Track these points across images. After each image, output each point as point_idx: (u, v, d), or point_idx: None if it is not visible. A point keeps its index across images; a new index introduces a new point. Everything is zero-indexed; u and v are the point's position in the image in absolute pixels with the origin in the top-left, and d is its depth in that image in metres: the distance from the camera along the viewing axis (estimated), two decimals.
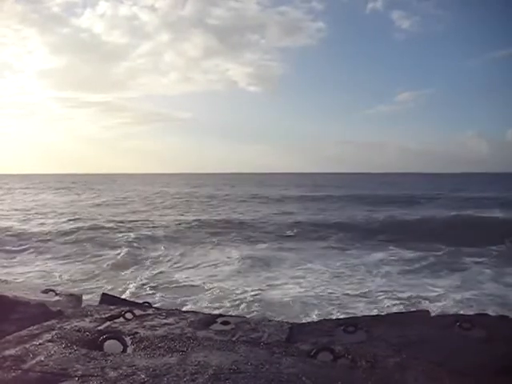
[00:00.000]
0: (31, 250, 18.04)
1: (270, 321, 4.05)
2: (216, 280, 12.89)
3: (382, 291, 11.70)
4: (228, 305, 10.33)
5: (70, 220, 27.75)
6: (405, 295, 11.14)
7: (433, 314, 4.36)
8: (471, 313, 6.12)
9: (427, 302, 10.49)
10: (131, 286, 12.13)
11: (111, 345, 3.20)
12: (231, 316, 4.46)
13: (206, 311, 7.91)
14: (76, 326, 3.61)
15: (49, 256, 16.91)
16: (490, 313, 4.57)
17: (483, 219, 25.58)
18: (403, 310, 8.33)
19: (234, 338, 3.46)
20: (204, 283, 12.49)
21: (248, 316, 6.56)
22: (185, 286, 12.36)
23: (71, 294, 5.06)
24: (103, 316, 3.89)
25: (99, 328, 3.58)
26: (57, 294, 4.82)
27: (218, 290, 11.67)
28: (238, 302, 10.55)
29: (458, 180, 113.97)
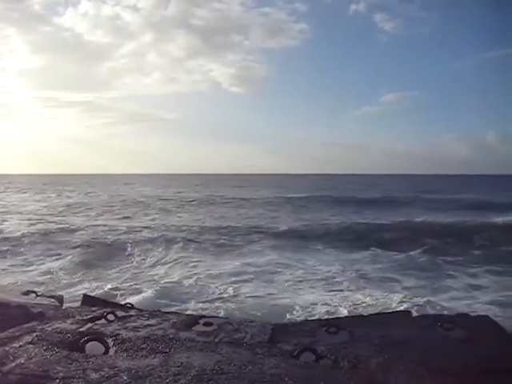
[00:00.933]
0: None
1: (252, 321, 4.05)
2: (192, 279, 12.91)
3: (353, 289, 11.88)
4: (208, 304, 10.32)
5: (39, 221, 27.27)
6: (376, 293, 11.27)
7: (414, 315, 4.42)
8: (452, 313, 6.19)
9: (396, 300, 10.59)
10: (108, 286, 11.98)
11: (93, 346, 3.18)
12: (214, 317, 4.46)
13: (188, 312, 7.91)
14: (57, 327, 3.57)
15: (19, 258, 16.51)
16: (470, 313, 4.63)
17: (458, 223, 25.68)
18: (385, 311, 8.39)
19: (216, 339, 3.45)
20: (180, 283, 12.54)
21: (231, 317, 6.55)
22: (161, 284, 12.38)
23: (52, 296, 5.02)
24: (85, 317, 3.86)
25: (81, 330, 3.55)
26: (38, 296, 4.78)
27: (195, 290, 11.69)
28: (216, 301, 10.59)
29: (441, 182, 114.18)
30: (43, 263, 15.57)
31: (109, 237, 20.99)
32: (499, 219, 25.88)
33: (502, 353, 3.17)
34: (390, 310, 7.83)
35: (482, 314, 5.31)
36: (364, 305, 10.35)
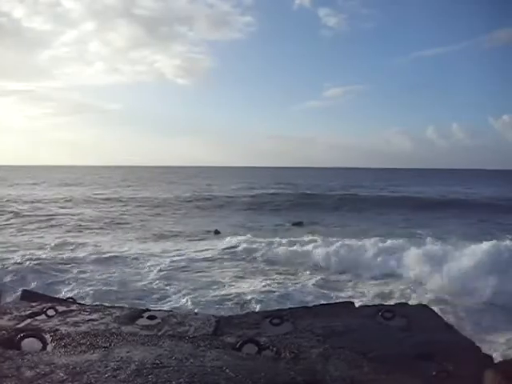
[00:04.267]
0: None
1: (197, 314, 4.04)
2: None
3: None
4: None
5: None
6: None
7: (357, 305, 4.51)
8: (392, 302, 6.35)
9: None
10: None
11: (29, 343, 3.08)
12: (158, 310, 4.40)
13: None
14: None
15: None
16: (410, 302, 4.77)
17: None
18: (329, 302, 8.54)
19: (159, 333, 3.41)
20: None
21: (175, 310, 6.49)
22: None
23: None
24: (23, 313, 3.73)
25: (18, 326, 3.43)
26: None
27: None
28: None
29: (380, 175, 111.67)
30: None
31: None
32: None
33: (434, 338, 3.29)
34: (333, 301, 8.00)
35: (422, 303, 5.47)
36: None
